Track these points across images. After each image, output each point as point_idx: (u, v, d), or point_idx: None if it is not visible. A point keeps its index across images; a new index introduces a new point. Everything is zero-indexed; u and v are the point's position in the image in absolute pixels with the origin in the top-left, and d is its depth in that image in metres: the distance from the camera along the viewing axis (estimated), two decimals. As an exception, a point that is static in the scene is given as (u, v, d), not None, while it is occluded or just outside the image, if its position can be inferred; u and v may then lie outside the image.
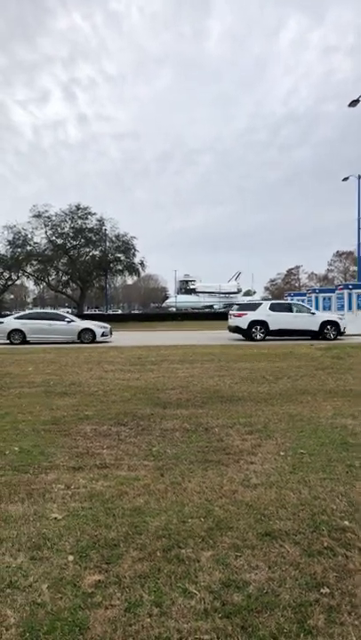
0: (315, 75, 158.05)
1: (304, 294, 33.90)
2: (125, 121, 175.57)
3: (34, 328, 20.68)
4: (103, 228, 49.45)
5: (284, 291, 79.27)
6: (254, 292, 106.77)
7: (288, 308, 21.03)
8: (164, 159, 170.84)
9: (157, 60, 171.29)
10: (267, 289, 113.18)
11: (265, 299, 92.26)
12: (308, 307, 21.91)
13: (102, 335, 20.91)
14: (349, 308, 23.50)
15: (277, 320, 20.22)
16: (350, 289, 24.41)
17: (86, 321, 22.65)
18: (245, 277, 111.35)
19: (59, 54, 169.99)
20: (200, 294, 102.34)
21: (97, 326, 21.20)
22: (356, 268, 46.78)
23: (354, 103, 17.80)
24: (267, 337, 20.23)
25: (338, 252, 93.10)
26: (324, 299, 27.47)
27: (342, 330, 20.34)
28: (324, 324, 20.21)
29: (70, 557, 2.79)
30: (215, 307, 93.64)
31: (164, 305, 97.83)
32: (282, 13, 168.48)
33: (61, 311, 24.80)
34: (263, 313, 20.47)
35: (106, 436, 5.59)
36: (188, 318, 57.36)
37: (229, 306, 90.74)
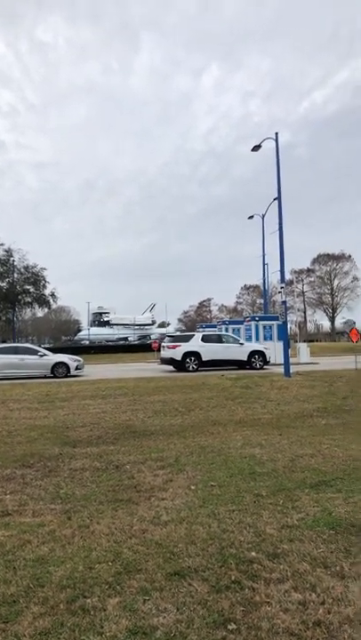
0: (234, 116, 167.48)
1: (215, 326, 34.91)
2: (47, 150, 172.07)
3: (5, 363, 19.33)
4: (11, 259, 47.66)
5: (196, 322, 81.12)
6: (168, 324, 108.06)
7: (219, 339, 21.23)
8: (86, 189, 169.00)
9: (83, 92, 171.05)
10: (180, 320, 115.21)
11: (179, 330, 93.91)
12: (236, 337, 22.36)
13: (76, 369, 20.14)
14: (256, 338, 24.55)
15: (210, 351, 20.28)
16: (257, 320, 25.57)
17: (59, 354, 21.53)
18: (160, 309, 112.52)
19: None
20: (114, 326, 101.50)
21: (71, 360, 20.34)
22: (262, 301, 49.50)
23: (256, 148, 19.18)
24: (199, 368, 20.07)
25: (245, 285, 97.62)
26: (233, 330, 28.41)
27: (268, 359, 20.97)
28: (252, 353, 20.70)
29: None
30: (130, 339, 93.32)
31: (76, 338, 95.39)
32: (205, 57, 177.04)
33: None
34: (196, 344, 20.41)
35: (9, 479, 5.25)
36: (103, 351, 56.57)
37: (144, 337, 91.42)
